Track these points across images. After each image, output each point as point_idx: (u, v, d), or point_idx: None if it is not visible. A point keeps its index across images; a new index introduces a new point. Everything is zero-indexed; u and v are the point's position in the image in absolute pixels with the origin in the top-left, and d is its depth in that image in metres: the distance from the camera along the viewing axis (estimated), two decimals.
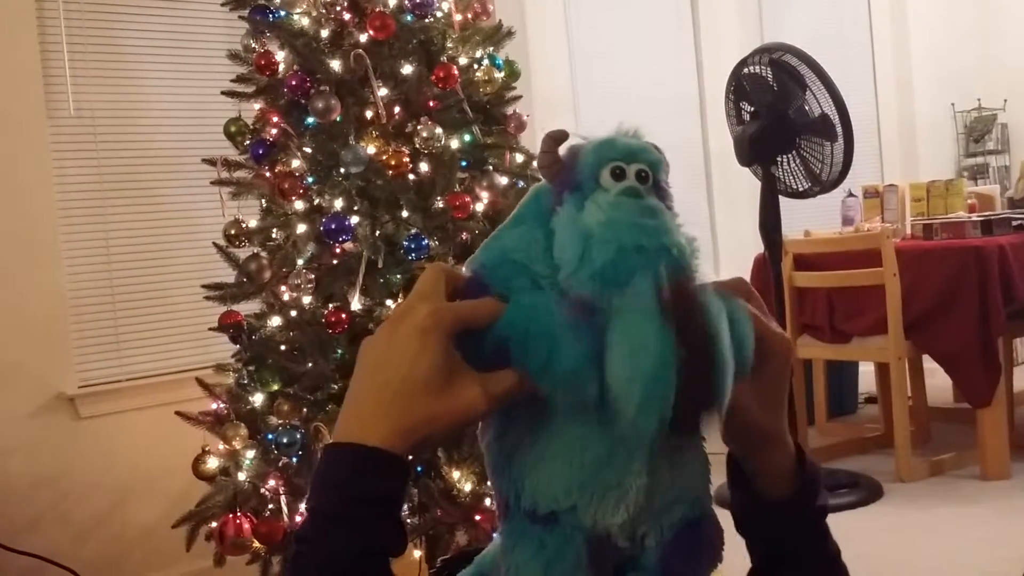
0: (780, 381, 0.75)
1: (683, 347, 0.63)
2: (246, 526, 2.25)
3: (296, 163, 2.31)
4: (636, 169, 0.70)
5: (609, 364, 0.63)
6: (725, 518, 0.76)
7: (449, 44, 2.44)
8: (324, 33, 2.36)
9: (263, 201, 2.48)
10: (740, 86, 3.38)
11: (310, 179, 2.32)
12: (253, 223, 2.43)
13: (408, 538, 0.67)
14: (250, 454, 2.32)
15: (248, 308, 2.46)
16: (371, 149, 2.28)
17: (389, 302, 2.25)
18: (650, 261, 0.65)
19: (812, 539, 0.79)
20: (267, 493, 2.30)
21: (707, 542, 0.73)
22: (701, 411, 0.66)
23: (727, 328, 0.66)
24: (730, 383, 0.65)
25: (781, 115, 3.26)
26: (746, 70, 3.34)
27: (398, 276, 2.29)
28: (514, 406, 0.68)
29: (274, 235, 2.42)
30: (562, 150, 0.72)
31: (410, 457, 0.66)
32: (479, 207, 2.33)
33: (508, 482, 0.70)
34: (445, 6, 2.44)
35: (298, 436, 2.22)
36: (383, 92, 2.31)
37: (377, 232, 2.31)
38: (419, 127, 2.28)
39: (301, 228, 2.33)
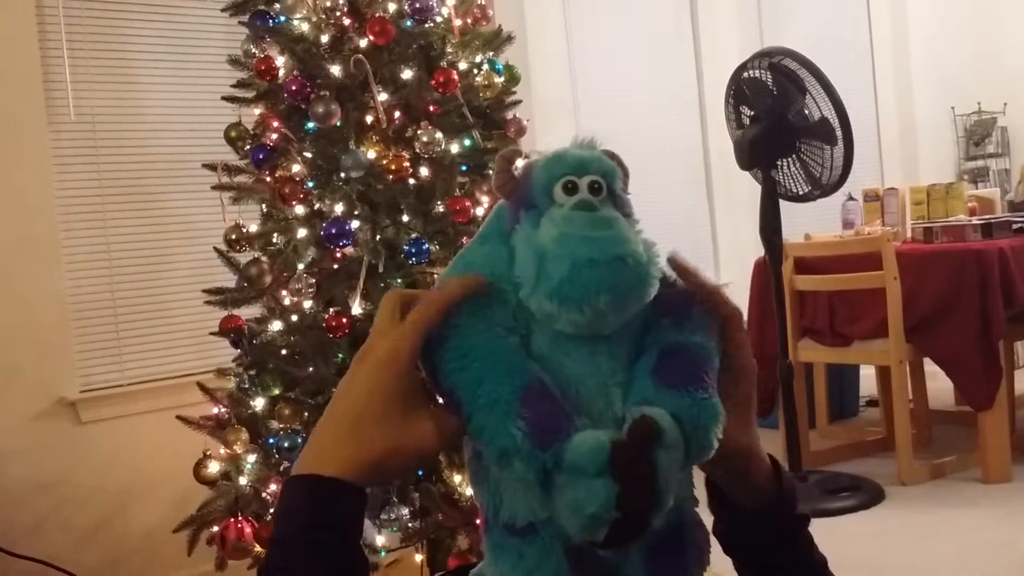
0: (749, 402, 0.76)
1: (627, 499, 0.64)
2: (247, 530, 2.25)
3: (296, 168, 2.32)
4: (588, 181, 0.70)
5: (553, 501, 0.65)
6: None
7: (449, 49, 2.44)
8: (324, 38, 2.36)
9: (263, 206, 2.48)
10: (740, 90, 3.38)
11: (310, 184, 2.32)
12: (254, 228, 2.43)
13: (370, 566, 0.68)
14: (251, 458, 2.32)
15: (249, 313, 2.47)
16: (371, 154, 2.28)
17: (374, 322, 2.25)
18: (604, 274, 0.66)
19: (797, 549, 0.80)
20: (268, 497, 2.30)
21: (692, 545, 0.73)
22: (633, 538, 0.67)
23: (674, 481, 0.67)
24: (660, 521, 0.67)
25: (781, 119, 3.26)
26: (746, 74, 3.34)
27: (399, 280, 2.29)
28: None
29: (275, 240, 2.43)
30: (519, 169, 0.73)
31: (368, 488, 0.67)
32: (479, 211, 2.33)
33: (487, 495, 0.70)
34: (445, 11, 2.44)
35: (299, 440, 2.22)
36: (383, 97, 2.32)
37: (378, 236, 2.32)
38: (419, 132, 2.28)
39: (302, 233, 2.33)
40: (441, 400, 0.69)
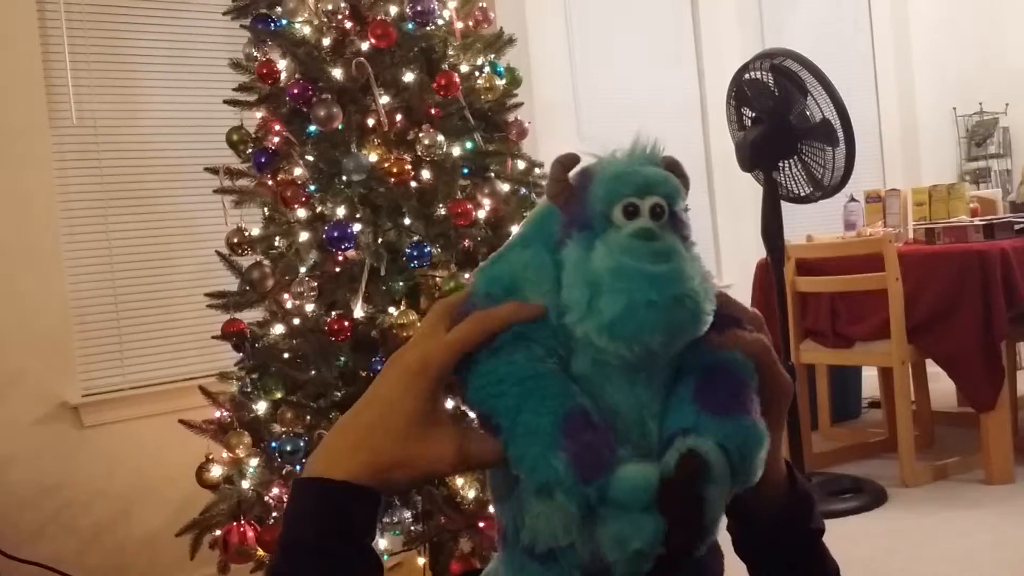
0: (780, 422, 0.74)
1: (675, 533, 0.63)
2: (250, 534, 2.25)
3: (298, 171, 2.32)
4: (651, 204, 0.67)
5: (598, 534, 0.64)
6: (724, 538, 0.76)
7: (450, 52, 2.45)
8: (326, 41, 2.36)
9: (265, 209, 2.48)
10: (741, 91, 3.38)
11: (312, 187, 2.32)
12: (256, 231, 2.43)
13: (382, 567, 0.67)
14: (254, 462, 2.32)
15: (251, 316, 2.47)
16: (373, 157, 2.28)
17: (392, 310, 2.26)
18: (661, 316, 0.62)
19: (809, 558, 0.79)
20: (271, 501, 2.30)
21: (708, 572, 0.72)
22: (676, 572, 0.66)
23: (720, 512, 0.66)
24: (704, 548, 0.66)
25: (782, 120, 3.26)
26: (747, 75, 3.34)
27: (401, 284, 2.29)
28: None
29: (277, 243, 2.43)
30: (574, 176, 0.69)
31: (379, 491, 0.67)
32: (481, 214, 2.33)
33: (509, 513, 0.69)
34: (446, 14, 2.45)
35: (301, 444, 2.22)
36: (385, 100, 2.32)
37: (379, 240, 2.32)
38: (421, 134, 2.28)
39: (303, 236, 2.33)
40: (477, 421, 0.67)
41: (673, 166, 0.71)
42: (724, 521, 0.78)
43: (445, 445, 0.66)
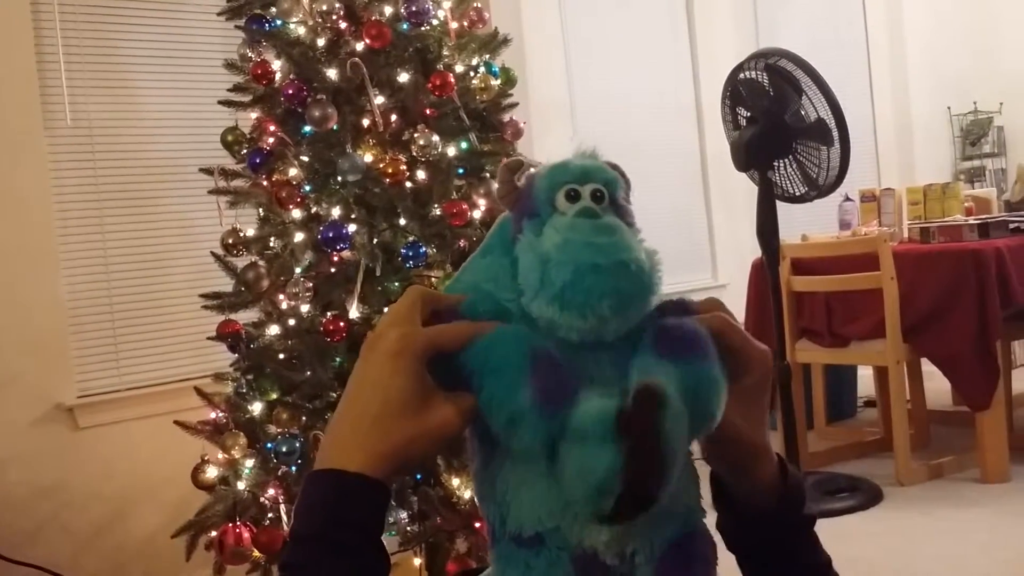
0: (761, 393, 0.75)
1: (633, 464, 0.63)
2: (246, 535, 2.25)
3: (293, 172, 2.32)
4: (591, 189, 0.71)
5: (560, 472, 0.65)
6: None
7: (445, 52, 2.45)
8: (320, 42, 2.36)
9: (260, 210, 2.48)
10: (736, 91, 3.38)
11: (307, 188, 2.32)
12: (251, 232, 2.43)
13: (391, 563, 0.68)
14: (249, 463, 2.32)
15: (246, 317, 2.47)
16: (368, 157, 2.28)
17: (387, 310, 2.25)
18: (607, 279, 0.66)
19: (800, 549, 0.79)
20: (266, 502, 2.30)
21: (700, 558, 0.72)
22: (640, 511, 0.66)
23: (684, 446, 0.67)
24: (669, 489, 0.66)
25: (777, 120, 3.26)
26: (742, 75, 3.34)
27: (396, 284, 2.29)
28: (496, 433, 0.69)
29: (272, 244, 2.43)
30: (522, 179, 0.74)
31: (391, 482, 0.67)
32: (476, 214, 2.33)
33: (494, 507, 0.70)
34: (441, 14, 2.45)
35: (297, 445, 2.22)
36: (380, 100, 2.32)
37: (375, 240, 2.32)
38: (416, 135, 2.28)
39: (299, 237, 2.33)
40: (451, 383, 0.69)
41: (614, 167, 0.75)
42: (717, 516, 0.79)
43: (446, 409, 0.67)
